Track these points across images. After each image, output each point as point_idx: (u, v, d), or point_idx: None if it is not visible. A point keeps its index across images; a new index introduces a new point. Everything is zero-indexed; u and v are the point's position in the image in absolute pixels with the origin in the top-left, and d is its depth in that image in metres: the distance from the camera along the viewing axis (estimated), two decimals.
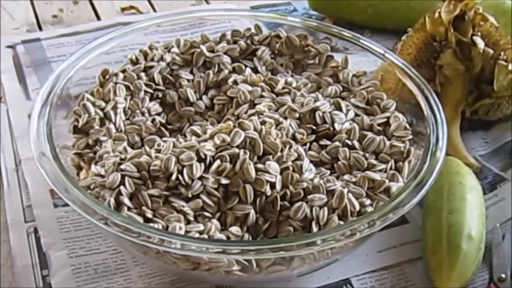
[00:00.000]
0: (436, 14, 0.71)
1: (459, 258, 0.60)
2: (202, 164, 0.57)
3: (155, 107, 0.67)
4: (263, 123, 0.61)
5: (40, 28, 0.93)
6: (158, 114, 0.67)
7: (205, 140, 0.59)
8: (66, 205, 0.66)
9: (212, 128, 0.62)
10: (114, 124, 0.64)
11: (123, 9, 0.94)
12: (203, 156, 0.57)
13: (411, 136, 0.63)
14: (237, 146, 0.58)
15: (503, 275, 0.62)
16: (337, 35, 0.75)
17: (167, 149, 0.58)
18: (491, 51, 0.70)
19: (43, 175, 0.56)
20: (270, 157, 0.58)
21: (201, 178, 0.56)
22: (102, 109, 0.65)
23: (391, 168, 0.61)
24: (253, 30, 0.73)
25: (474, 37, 0.70)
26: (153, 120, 0.66)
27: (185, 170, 0.56)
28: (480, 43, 0.70)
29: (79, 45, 0.87)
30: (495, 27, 0.71)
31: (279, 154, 0.58)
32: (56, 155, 0.58)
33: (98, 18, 0.93)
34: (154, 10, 0.95)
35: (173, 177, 0.56)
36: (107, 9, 0.95)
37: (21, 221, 0.66)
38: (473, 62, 0.71)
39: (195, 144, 0.58)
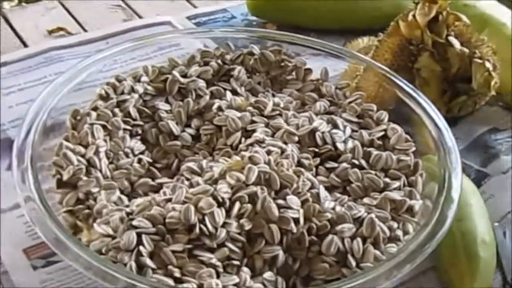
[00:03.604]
0: (410, 17, 0.69)
1: (479, 268, 0.59)
2: (223, 209, 0.52)
3: (138, 145, 0.61)
4: (268, 153, 0.57)
5: None
6: (142, 152, 0.61)
7: (216, 181, 0.54)
8: (46, 265, 0.61)
9: (208, 163, 0.58)
10: (100, 171, 0.58)
11: (50, 32, 0.86)
12: (220, 200, 0.52)
13: (414, 148, 0.61)
14: (252, 183, 0.54)
15: None
16: (297, 43, 0.72)
17: (179, 197, 0.53)
18: (467, 50, 0.70)
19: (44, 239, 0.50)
20: (288, 190, 0.54)
21: (224, 224, 0.52)
22: (82, 156, 0.58)
23: (404, 185, 0.59)
24: (222, 49, 0.69)
25: (449, 38, 0.69)
26: (139, 161, 0.60)
27: (207, 219, 0.51)
28: (456, 43, 0.69)
29: (12, 76, 0.80)
30: (466, 26, 0.70)
31: (295, 185, 0.55)
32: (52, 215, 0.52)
33: (25, 44, 0.85)
34: (84, 30, 0.88)
35: (197, 229, 0.51)
36: (32, 33, 0.86)
37: None
38: (449, 62, 0.70)
39: (209, 188, 0.53)
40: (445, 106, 0.73)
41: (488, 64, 0.69)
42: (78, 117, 0.61)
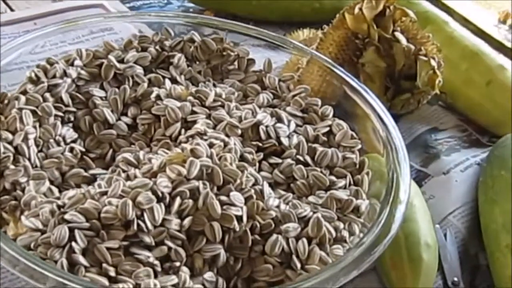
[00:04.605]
0: (357, 10, 0.67)
1: (422, 270, 0.58)
2: (162, 205, 0.49)
3: (70, 133, 0.57)
4: (210, 145, 0.54)
5: None
6: (74, 141, 0.57)
7: (155, 174, 0.51)
8: None
9: (146, 154, 0.55)
10: (29, 159, 0.54)
11: None
12: (160, 195, 0.49)
13: (360, 146, 0.60)
14: (194, 178, 0.51)
15: (455, 279, 0.61)
16: (238, 31, 0.69)
17: (116, 190, 0.49)
18: (413, 47, 0.68)
19: None
20: (231, 186, 0.52)
21: (163, 221, 0.48)
22: (10, 142, 0.54)
23: (350, 184, 0.57)
24: (161, 35, 0.65)
25: (396, 33, 0.68)
26: (71, 150, 0.56)
27: (145, 215, 0.48)
28: (403, 39, 0.67)
29: None
30: (412, 22, 0.69)
31: (238, 181, 0.52)
32: None
33: None
34: (11, 9, 0.82)
35: (134, 225, 0.47)
36: None
37: None
38: (394, 58, 0.69)
39: (148, 182, 0.49)
40: (388, 102, 0.71)
41: (433, 62, 0.68)
42: (6, 101, 0.56)
